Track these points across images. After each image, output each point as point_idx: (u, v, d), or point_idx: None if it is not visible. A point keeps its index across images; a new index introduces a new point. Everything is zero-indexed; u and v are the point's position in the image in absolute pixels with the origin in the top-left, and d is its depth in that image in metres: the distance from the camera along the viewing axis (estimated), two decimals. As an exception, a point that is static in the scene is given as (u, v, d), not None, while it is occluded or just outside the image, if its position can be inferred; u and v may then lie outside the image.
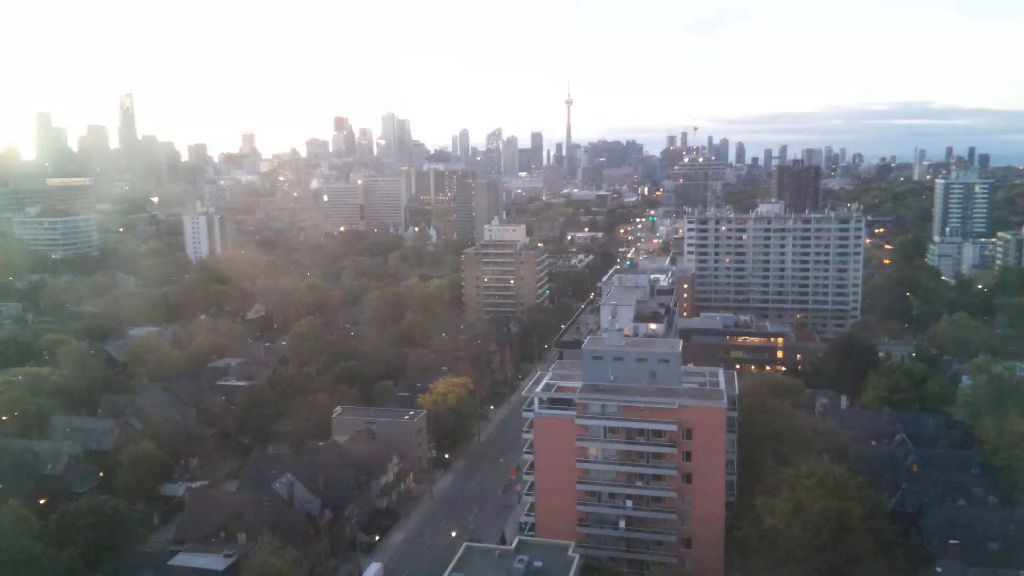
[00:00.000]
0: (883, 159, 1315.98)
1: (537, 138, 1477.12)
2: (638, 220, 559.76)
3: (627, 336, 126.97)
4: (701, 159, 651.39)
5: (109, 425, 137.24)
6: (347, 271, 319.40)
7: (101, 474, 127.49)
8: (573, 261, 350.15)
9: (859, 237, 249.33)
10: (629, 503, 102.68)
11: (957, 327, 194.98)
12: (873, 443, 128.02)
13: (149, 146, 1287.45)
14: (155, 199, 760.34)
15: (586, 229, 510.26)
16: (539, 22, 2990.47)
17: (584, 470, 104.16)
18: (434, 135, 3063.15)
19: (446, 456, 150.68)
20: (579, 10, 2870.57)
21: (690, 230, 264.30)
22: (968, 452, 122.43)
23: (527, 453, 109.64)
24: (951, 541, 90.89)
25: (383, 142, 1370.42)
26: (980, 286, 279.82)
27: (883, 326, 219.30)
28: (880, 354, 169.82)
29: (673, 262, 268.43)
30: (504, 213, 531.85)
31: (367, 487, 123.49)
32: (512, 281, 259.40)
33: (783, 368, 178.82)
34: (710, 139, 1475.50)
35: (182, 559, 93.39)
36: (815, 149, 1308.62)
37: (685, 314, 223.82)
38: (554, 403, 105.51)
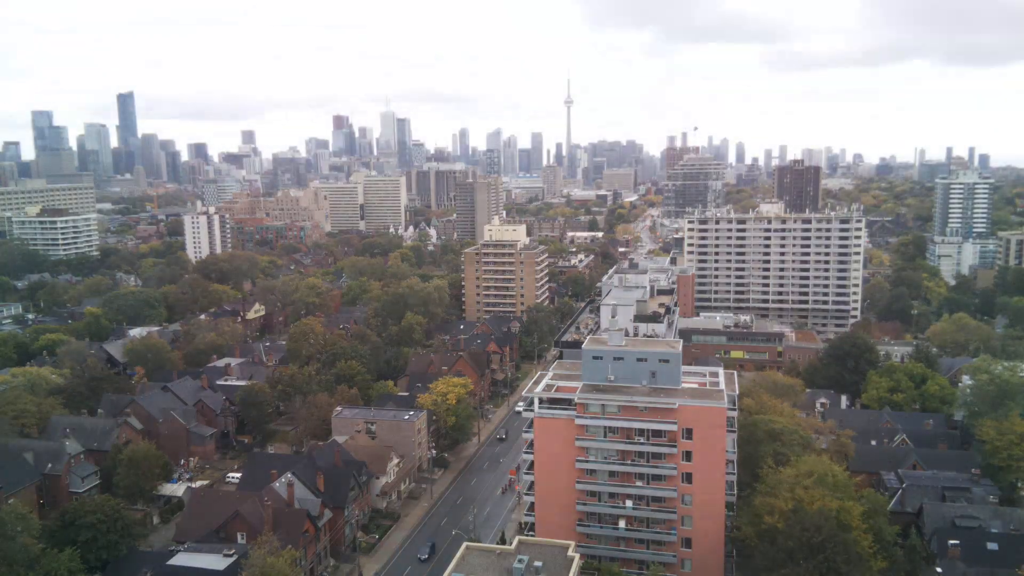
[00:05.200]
0: (883, 159, 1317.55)
1: (537, 138, 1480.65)
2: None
3: (627, 336, 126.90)
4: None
5: (109, 425, 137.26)
6: (347, 271, 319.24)
7: (100, 474, 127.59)
8: (573, 261, 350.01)
9: (859, 237, 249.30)
10: (629, 503, 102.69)
11: (957, 327, 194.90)
12: (873, 443, 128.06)
13: (149, 145, 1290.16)
14: (155, 198, 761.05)
15: (586, 229, 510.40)
16: (540, 21, 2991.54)
17: (584, 470, 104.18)
18: (434, 135, 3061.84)
19: (446, 456, 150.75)
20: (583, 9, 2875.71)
21: (690, 230, 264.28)
22: (968, 452, 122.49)
23: (527, 453, 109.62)
24: (951, 541, 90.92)
25: (383, 141, 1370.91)
26: (980, 286, 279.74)
27: (883, 326, 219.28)
28: (880, 354, 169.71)
29: (673, 262, 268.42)
30: (504, 213, 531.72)
31: (367, 487, 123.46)
32: (512, 281, 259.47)
33: (783, 368, 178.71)
34: (710, 139, 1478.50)
35: (182, 559, 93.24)
36: (815, 149, 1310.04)
37: (685, 314, 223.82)
38: (554, 403, 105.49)
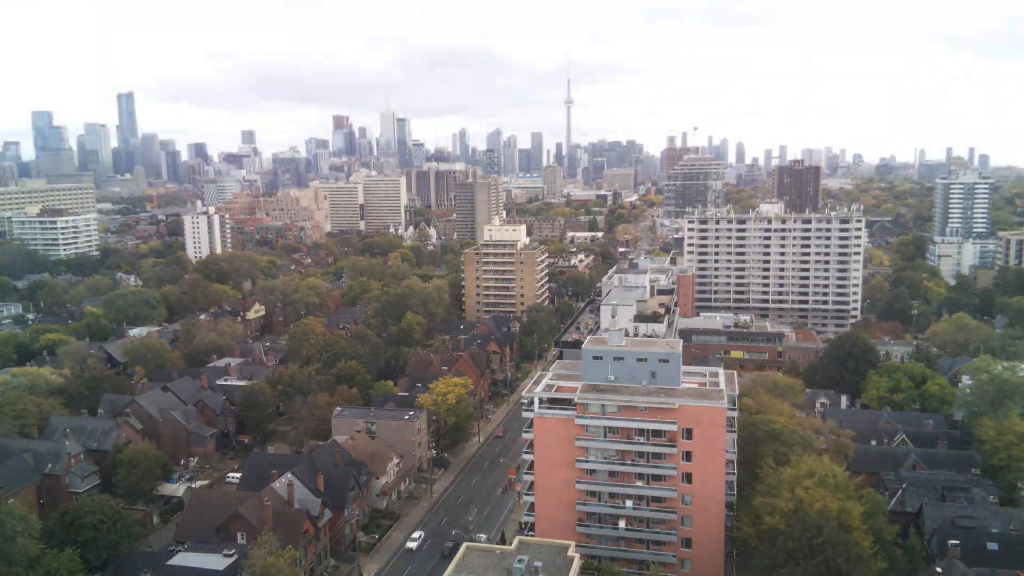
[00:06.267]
0: (883, 159, 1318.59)
1: (537, 138, 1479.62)
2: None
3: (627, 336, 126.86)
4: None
5: (109, 425, 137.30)
6: (347, 271, 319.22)
7: (100, 474, 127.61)
8: (573, 261, 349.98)
9: (859, 237, 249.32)
10: (629, 503, 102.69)
11: (957, 327, 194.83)
12: (873, 443, 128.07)
13: (149, 145, 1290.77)
14: (155, 198, 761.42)
15: (586, 229, 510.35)
16: (540, 19, 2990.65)
17: (584, 470, 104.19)
18: (434, 135, 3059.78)
19: (446, 456, 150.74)
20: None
21: (690, 230, 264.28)
22: (968, 452, 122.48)
23: (527, 453, 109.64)
24: (951, 541, 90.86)
25: (383, 141, 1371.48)
26: (980, 286, 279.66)
27: (883, 326, 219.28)
28: (880, 354, 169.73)
29: (673, 262, 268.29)
30: (504, 213, 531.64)
31: (367, 487, 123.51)
32: (512, 281, 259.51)
33: (783, 368, 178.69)
34: (710, 139, 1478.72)
35: (182, 559, 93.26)
36: (815, 149, 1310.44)
37: (685, 314, 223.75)
38: (554, 403, 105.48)
